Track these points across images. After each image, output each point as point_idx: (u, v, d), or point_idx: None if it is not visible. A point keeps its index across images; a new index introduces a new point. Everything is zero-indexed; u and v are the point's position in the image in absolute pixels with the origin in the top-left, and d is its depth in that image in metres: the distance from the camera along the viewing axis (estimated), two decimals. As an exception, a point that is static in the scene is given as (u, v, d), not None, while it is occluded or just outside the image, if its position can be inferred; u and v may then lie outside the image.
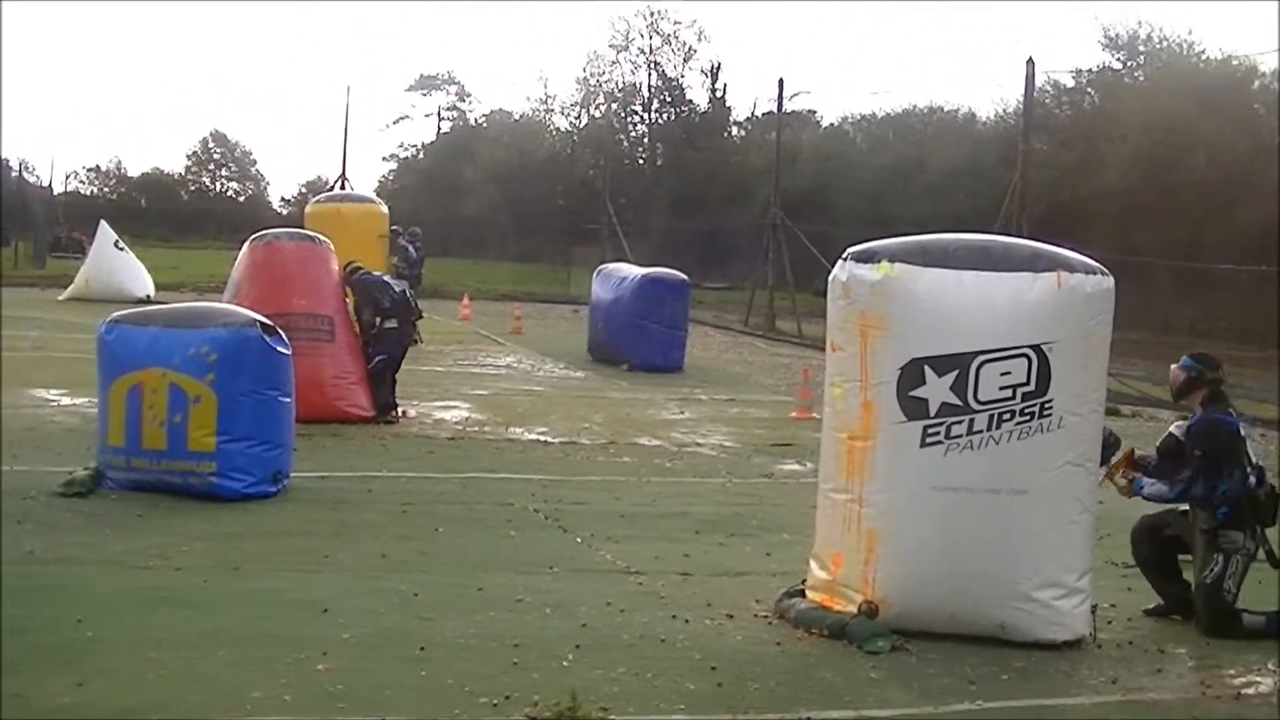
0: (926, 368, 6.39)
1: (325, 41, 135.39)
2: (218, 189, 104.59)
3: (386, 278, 13.13)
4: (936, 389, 6.43)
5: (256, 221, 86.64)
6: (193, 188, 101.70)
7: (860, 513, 6.61)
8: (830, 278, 6.75)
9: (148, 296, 28.18)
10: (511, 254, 54.18)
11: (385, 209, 17.92)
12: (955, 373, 6.39)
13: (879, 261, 6.51)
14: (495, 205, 58.37)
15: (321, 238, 12.41)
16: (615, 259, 30.25)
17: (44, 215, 56.33)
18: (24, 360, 15.58)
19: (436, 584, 6.82)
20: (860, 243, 6.80)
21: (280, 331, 8.63)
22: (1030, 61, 23.99)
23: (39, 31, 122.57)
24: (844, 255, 6.67)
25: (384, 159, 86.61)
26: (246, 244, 12.22)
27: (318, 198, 18.75)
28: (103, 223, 29.27)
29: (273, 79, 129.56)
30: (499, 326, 25.64)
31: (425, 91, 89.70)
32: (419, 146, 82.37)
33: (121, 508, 7.92)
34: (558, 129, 69.11)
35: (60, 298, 27.65)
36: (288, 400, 8.59)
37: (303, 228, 15.28)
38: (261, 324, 8.45)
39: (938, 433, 6.45)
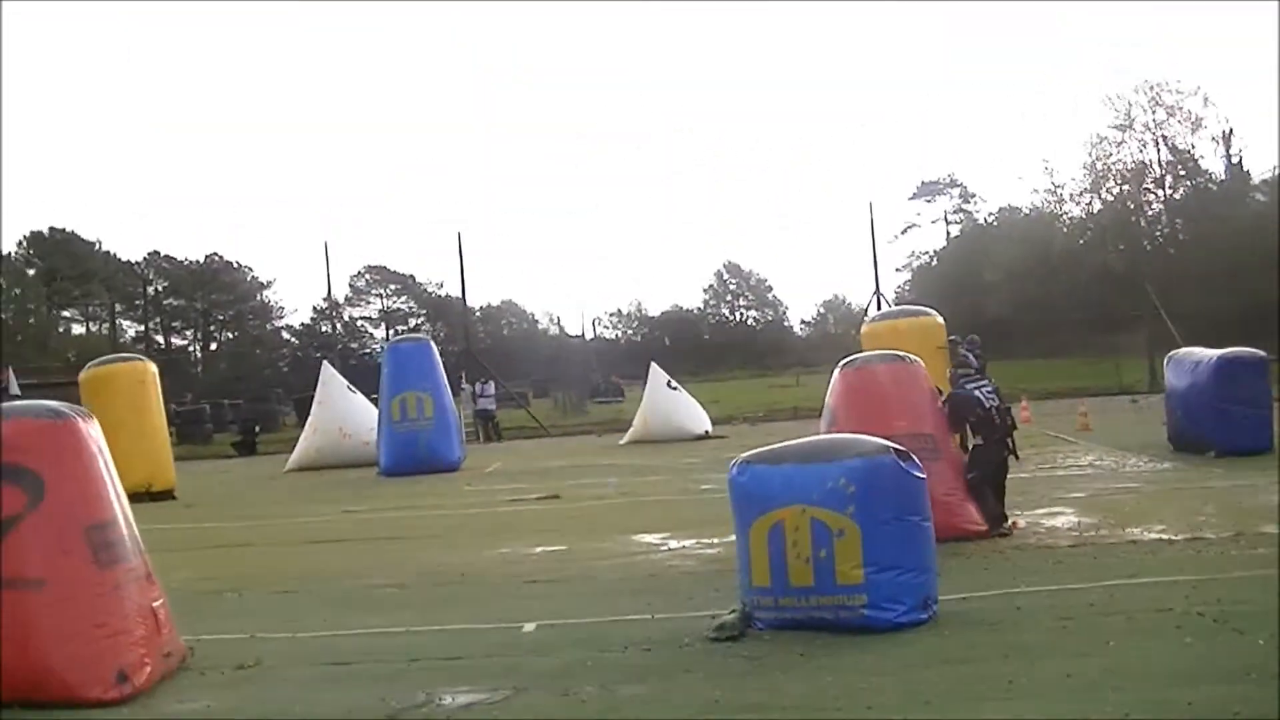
0: None
1: (829, 159, 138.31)
2: (737, 319, 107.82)
3: (978, 393, 12.84)
4: None
5: (780, 348, 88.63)
6: (713, 320, 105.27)
7: None
8: None
9: (705, 433, 28.84)
10: (1039, 350, 53.21)
11: (941, 320, 17.59)
12: None
13: None
14: (1017, 303, 57.66)
15: (912, 356, 12.26)
16: (1160, 343, 29.09)
17: (581, 364, 59.20)
18: (614, 506, 16.05)
19: (1142, 701, 6.35)
20: None
21: (913, 456, 8.45)
22: None
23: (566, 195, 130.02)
24: None
25: (896, 269, 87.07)
26: (837, 371, 12.14)
27: (871, 317, 18.62)
28: (654, 364, 30.06)
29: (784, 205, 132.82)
30: (1063, 425, 24.85)
31: (929, 198, 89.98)
32: (931, 253, 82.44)
33: (779, 648, 7.78)
34: (1071, 217, 67.66)
35: (622, 441, 28.60)
36: (928, 524, 8.34)
37: (861, 349, 15.32)
38: (895, 450, 8.28)
39: None
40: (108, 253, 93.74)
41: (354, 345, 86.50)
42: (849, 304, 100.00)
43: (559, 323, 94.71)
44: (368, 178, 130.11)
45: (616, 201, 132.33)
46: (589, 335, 68.23)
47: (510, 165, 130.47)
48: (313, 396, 27.97)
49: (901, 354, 12.32)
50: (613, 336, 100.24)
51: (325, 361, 30.74)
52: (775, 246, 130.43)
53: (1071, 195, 64.89)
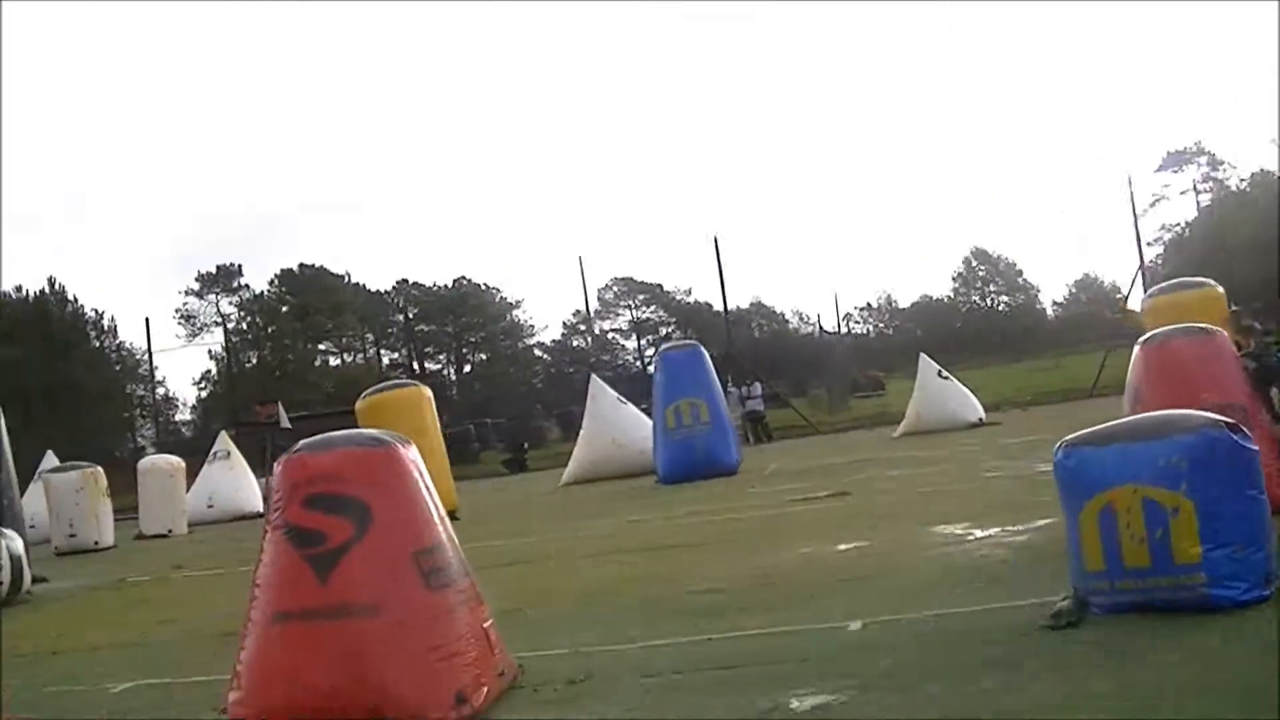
0: None
1: (1069, 134, 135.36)
2: (988, 305, 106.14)
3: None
4: None
5: (1032, 332, 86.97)
6: (964, 308, 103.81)
7: None
8: None
9: (979, 420, 28.54)
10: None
11: (1221, 290, 17.03)
12: None
13: None
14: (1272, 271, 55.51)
15: (1211, 327, 11.92)
16: None
17: (838, 360, 58.92)
18: (906, 499, 15.88)
19: None
20: None
21: (1244, 428, 8.20)
22: None
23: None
24: None
25: (1147, 244, 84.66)
26: (1138, 348, 11.87)
27: (1150, 293, 18.06)
28: (923, 355, 30.02)
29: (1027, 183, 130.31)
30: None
31: (1176, 168, 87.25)
32: (1183, 225, 79.95)
33: (1121, 633, 7.60)
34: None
35: (895, 434, 28.44)
36: (1263, 498, 8.10)
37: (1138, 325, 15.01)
38: (1226, 424, 8.05)
39: None
40: (357, 284, 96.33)
41: (605, 358, 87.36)
42: (1101, 282, 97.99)
43: (809, 320, 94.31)
44: (611, 188, 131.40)
45: (855, 194, 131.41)
46: (841, 331, 67.73)
47: (749, 165, 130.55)
48: (575, 410, 28.39)
49: (1204, 326, 12.00)
50: (863, 331, 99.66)
51: (593, 375, 31.12)
52: (1021, 228, 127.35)
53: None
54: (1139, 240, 38.91)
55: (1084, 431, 8.53)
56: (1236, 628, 7.42)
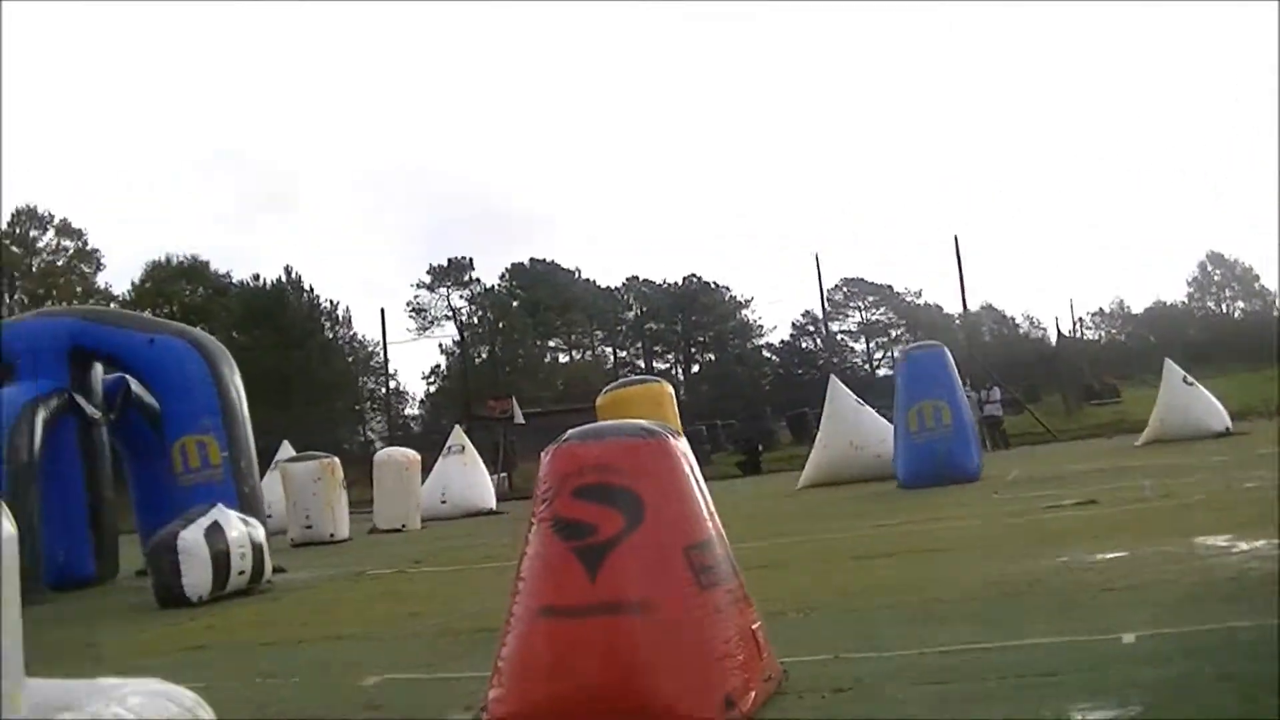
0: None
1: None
2: (1223, 310, 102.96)
3: None
4: None
5: (1267, 340, 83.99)
6: (1199, 314, 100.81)
7: None
8: None
9: (1226, 429, 27.68)
10: None
11: None
12: None
13: None
14: None
15: None
16: None
17: (1074, 366, 57.66)
18: (1159, 508, 15.38)
19: None
20: None
21: None
22: None
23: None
24: None
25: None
26: None
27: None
28: (1168, 360, 29.26)
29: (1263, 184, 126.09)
30: None
31: None
32: None
33: None
34: None
35: (1138, 443, 27.73)
36: None
37: None
38: None
39: None
40: (588, 280, 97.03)
41: (835, 360, 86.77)
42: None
43: (1040, 324, 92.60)
44: (842, 186, 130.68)
45: (1085, 195, 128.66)
46: (1075, 335, 66.26)
47: (981, 165, 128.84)
48: (807, 412, 28.12)
49: None
50: (1094, 337, 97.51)
51: (832, 376, 30.91)
52: (1259, 231, 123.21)
53: None
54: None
55: None
56: None
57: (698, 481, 7.45)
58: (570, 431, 7.41)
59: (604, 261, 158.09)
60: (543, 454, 7.44)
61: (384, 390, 71.86)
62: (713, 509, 7.49)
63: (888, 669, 8.02)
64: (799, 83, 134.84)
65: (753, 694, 7.02)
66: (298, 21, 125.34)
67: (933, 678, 7.61)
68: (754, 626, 7.40)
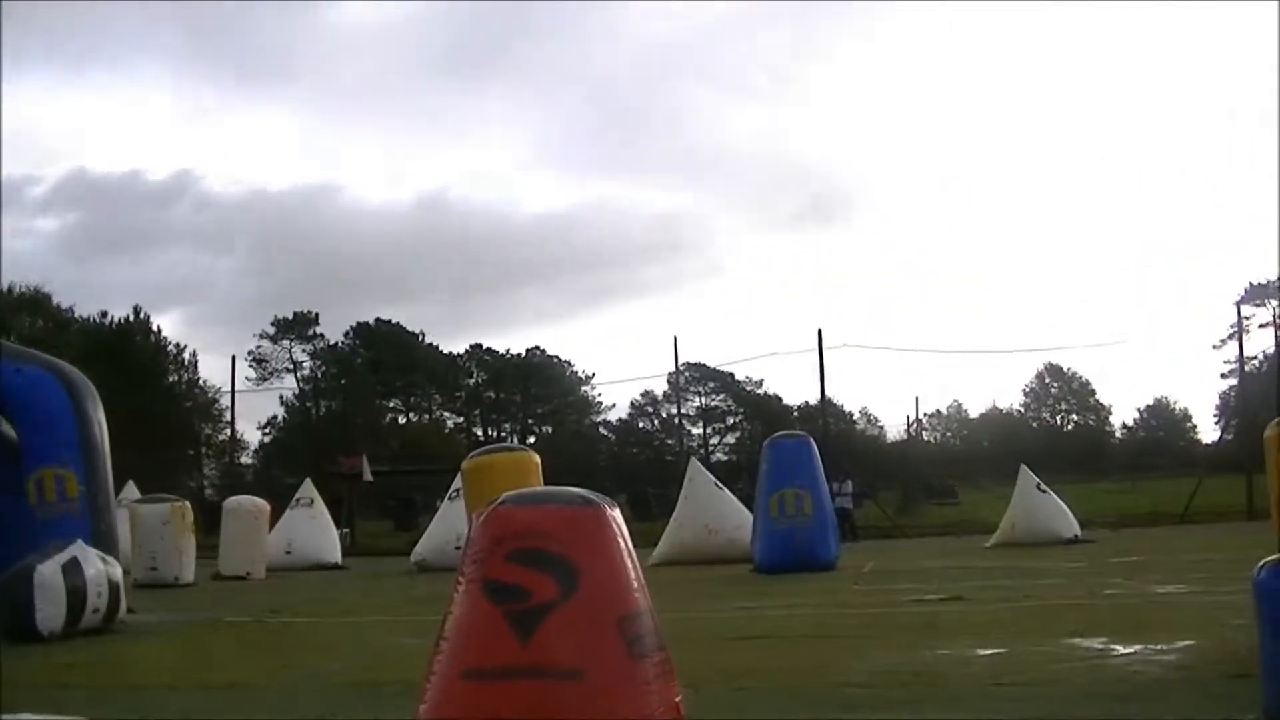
0: None
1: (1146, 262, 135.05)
2: (1057, 422, 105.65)
3: None
4: None
5: (1099, 453, 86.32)
6: (1034, 424, 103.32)
7: None
8: None
9: (1075, 536, 28.34)
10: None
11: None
12: None
13: None
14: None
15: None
16: None
17: (915, 465, 58.64)
18: (1025, 609, 15.61)
19: None
20: None
21: None
22: None
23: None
24: None
25: (1221, 375, 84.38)
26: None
27: (1276, 421, 17.86)
28: (1024, 466, 29.91)
29: (1094, 303, 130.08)
30: None
31: (1259, 302, 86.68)
32: (1261, 358, 79.31)
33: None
34: None
35: (988, 544, 28.26)
36: None
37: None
38: None
39: None
40: (431, 345, 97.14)
41: (670, 442, 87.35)
42: (1174, 408, 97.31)
43: (876, 422, 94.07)
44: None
45: (935, 300, 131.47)
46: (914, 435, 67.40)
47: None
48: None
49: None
50: (929, 439, 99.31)
51: (693, 458, 31.12)
52: (1097, 347, 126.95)
53: None
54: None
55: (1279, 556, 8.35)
56: None
57: (630, 552, 7.44)
58: (505, 494, 7.35)
59: (448, 329, 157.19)
60: (474, 515, 7.38)
61: (221, 438, 70.94)
62: (643, 580, 7.48)
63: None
64: (659, 163, 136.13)
65: (676, 769, 7.02)
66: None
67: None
68: (677, 699, 7.39)
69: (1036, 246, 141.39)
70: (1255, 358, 79.51)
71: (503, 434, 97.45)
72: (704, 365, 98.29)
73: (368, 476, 44.55)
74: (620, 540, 7.34)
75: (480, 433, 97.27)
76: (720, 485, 27.86)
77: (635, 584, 7.32)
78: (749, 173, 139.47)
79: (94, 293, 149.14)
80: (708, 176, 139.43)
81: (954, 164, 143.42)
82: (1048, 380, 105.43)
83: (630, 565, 7.35)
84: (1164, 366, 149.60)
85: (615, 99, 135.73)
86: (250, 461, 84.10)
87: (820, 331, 41.16)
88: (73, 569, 15.04)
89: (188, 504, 27.25)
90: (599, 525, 7.26)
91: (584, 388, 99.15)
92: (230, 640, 15.71)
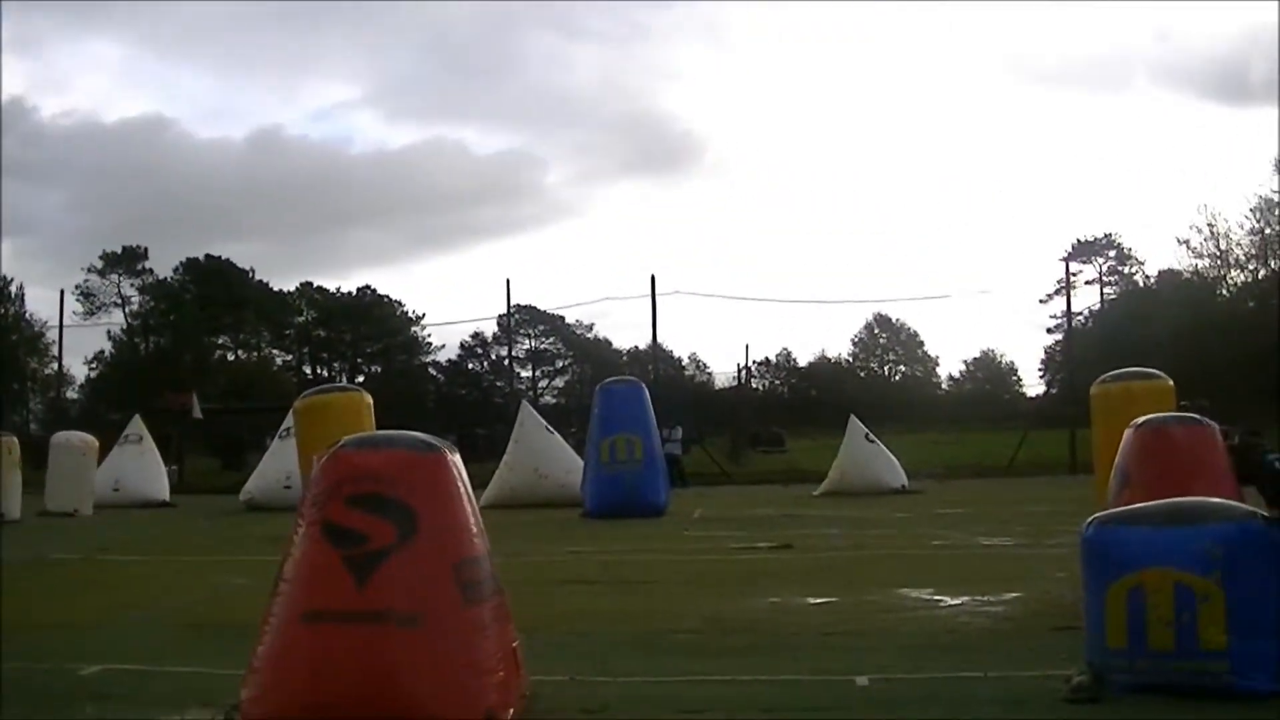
0: None
1: (980, 216, 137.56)
2: (885, 373, 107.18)
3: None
4: None
5: (928, 404, 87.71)
6: (862, 374, 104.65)
7: None
8: None
9: (902, 487, 28.67)
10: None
11: (1171, 383, 17.30)
12: None
13: None
14: (1178, 368, 56.67)
15: (1206, 420, 12.08)
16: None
17: (740, 412, 58.92)
18: (854, 558, 15.78)
19: None
20: None
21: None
22: None
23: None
24: None
25: (1048, 330, 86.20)
26: (1130, 430, 11.97)
27: (1102, 379, 18.26)
28: (853, 416, 30.07)
29: (924, 257, 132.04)
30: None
31: (1085, 258, 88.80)
32: (1086, 313, 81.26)
33: (1144, 713, 7.64)
34: (1235, 284, 66.58)
35: (816, 492, 28.44)
36: (1290, 590, 8.18)
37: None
38: (1262, 516, 8.12)
39: None
40: (261, 282, 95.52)
41: (499, 384, 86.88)
42: (1000, 361, 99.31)
43: (705, 368, 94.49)
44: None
45: (768, 250, 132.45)
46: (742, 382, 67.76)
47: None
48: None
49: (1196, 416, 12.19)
50: (758, 386, 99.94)
51: (524, 401, 30.93)
52: (925, 300, 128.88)
53: (1237, 261, 64.08)
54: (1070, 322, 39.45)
55: (1116, 510, 8.58)
56: (1259, 716, 7.46)
57: (469, 497, 7.38)
58: (346, 438, 7.27)
59: (280, 267, 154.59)
60: (316, 457, 7.27)
61: (48, 373, 69.22)
62: (482, 525, 7.43)
63: (635, 694, 8.21)
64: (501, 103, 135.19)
65: (511, 710, 7.04)
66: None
67: (687, 707, 7.71)
68: (514, 644, 7.38)
69: (869, 199, 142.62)
70: (1081, 313, 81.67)
71: (332, 373, 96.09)
72: (534, 308, 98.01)
73: (197, 414, 43.70)
74: (460, 485, 7.31)
75: (309, 371, 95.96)
76: (551, 430, 27.82)
77: (474, 529, 7.31)
78: (586, 118, 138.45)
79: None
80: (545, 121, 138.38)
81: (791, 115, 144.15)
82: (876, 330, 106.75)
83: (470, 510, 7.33)
84: (990, 319, 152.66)
85: (453, 39, 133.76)
86: (77, 397, 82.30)
87: (653, 277, 41.08)
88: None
89: (15, 439, 26.58)
90: (439, 470, 7.22)
91: (414, 328, 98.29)
92: (58, 579, 15.37)
